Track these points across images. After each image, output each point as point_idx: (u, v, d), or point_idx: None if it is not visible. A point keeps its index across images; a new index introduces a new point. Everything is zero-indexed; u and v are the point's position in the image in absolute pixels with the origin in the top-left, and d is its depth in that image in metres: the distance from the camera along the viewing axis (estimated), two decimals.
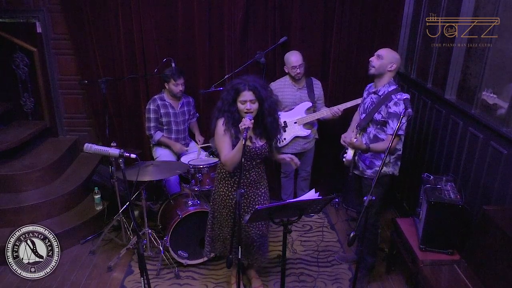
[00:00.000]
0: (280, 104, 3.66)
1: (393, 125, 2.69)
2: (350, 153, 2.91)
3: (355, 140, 2.72)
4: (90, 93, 4.14)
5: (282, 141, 3.72)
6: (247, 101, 2.52)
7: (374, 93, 2.88)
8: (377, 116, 2.80)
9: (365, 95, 3.03)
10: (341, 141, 2.98)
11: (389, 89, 2.78)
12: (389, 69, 2.79)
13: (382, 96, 2.79)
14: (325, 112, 3.64)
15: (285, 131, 3.70)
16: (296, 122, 3.70)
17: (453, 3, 3.15)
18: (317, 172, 4.21)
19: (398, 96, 2.71)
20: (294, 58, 3.56)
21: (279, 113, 3.70)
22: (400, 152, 2.90)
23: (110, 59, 4.02)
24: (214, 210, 2.86)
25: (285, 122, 3.70)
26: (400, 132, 2.72)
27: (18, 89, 4.23)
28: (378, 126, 2.82)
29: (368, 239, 3.04)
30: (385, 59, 2.77)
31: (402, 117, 2.42)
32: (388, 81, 2.82)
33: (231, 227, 2.73)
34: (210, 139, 3.71)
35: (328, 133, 3.98)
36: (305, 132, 3.73)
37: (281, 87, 3.67)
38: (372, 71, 2.82)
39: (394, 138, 2.46)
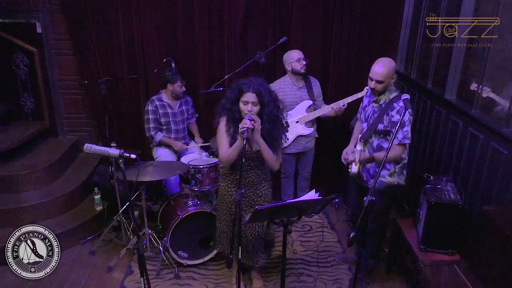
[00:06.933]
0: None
1: (397, 134, 2.54)
2: (354, 167, 2.84)
3: (359, 156, 2.69)
4: (90, 93, 4.14)
5: (285, 141, 3.71)
6: (249, 103, 2.53)
7: (375, 101, 2.80)
8: (380, 126, 2.74)
9: (365, 102, 2.95)
10: (342, 159, 2.91)
11: (390, 97, 2.72)
12: (392, 83, 2.72)
13: (384, 106, 2.73)
14: (327, 109, 3.62)
15: (287, 131, 3.68)
16: (297, 122, 3.68)
17: (453, 3, 3.15)
18: (317, 172, 4.21)
19: (401, 104, 2.61)
20: (296, 52, 3.56)
21: None
22: (405, 161, 2.82)
23: (110, 59, 4.02)
24: (217, 204, 2.96)
25: (286, 122, 3.68)
26: (406, 141, 2.66)
27: (18, 89, 4.23)
28: (381, 136, 2.76)
29: (372, 242, 3.01)
30: (386, 80, 2.66)
31: (402, 118, 2.38)
32: (389, 89, 2.74)
33: (229, 224, 2.75)
34: (210, 139, 3.72)
35: (328, 131, 3.97)
36: (307, 130, 3.71)
37: (282, 88, 3.65)
38: (377, 94, 2.73)
39: (398, 147, 2.40)
